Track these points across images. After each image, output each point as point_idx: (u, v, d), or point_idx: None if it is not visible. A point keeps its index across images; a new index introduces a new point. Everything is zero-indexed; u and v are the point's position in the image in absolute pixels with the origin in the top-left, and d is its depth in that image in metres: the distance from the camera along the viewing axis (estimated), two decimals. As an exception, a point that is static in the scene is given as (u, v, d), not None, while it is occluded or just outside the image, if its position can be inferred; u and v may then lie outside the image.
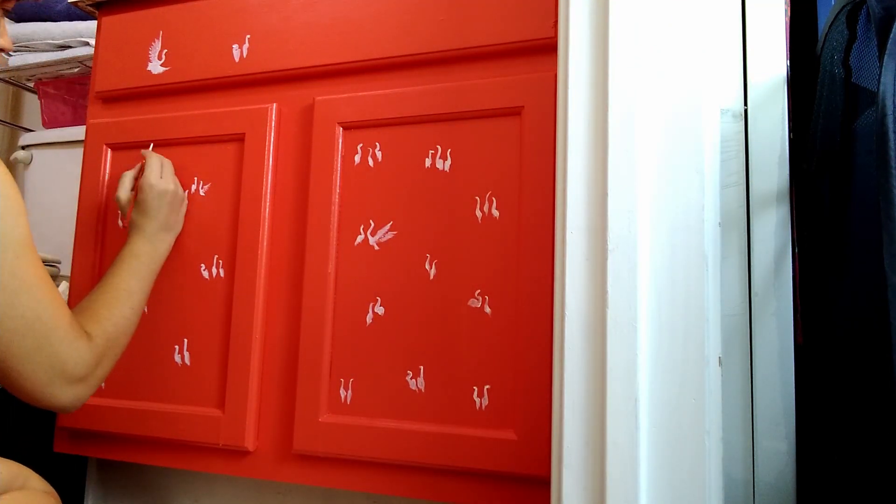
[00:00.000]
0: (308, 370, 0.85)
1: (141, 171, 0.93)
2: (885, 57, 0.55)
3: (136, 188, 0.92)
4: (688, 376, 0.59)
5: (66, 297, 1.07)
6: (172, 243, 0.92)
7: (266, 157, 0.91)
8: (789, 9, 0.81)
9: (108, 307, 0.78)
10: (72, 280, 1.01)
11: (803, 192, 0.78)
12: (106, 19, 1.06)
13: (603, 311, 0.61)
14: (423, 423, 0.79)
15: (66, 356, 0.68)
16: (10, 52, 0.78)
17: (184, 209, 0.94)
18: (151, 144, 0.97)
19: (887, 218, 0.52)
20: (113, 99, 1.04)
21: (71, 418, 0.96)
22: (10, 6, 0.78)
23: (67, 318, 0.69)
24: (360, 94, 0.88)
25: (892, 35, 0.55)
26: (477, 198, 0.81)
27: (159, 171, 0.91)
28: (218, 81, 0.97)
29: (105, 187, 1.01)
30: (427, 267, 0.82)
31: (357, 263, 0.85)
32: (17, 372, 0.65)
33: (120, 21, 1.04)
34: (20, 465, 0.73)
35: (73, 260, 1.01)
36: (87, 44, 1.38)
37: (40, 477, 0.75)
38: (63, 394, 0.68)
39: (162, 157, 0.94)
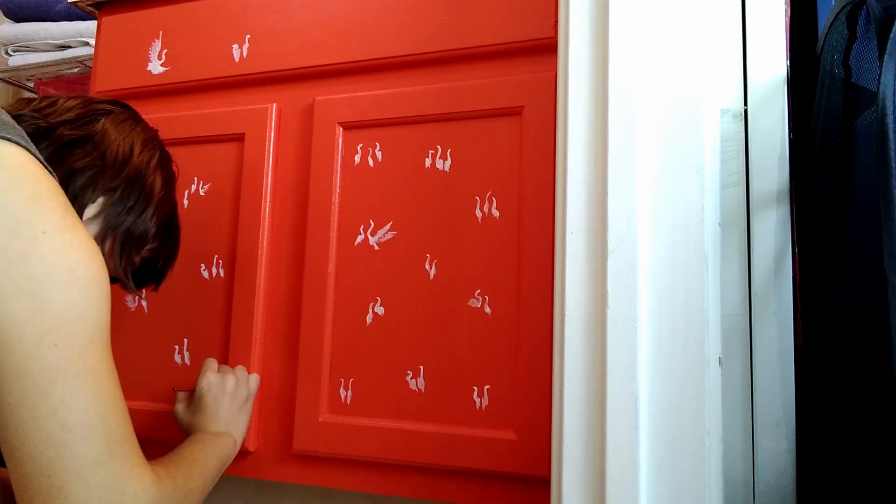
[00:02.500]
0: (308, 370, 0.85)
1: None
2: (885, 57, 0.55)
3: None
4: (688, 376, 0.59)
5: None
6: (235, 450, 0.79)
7: (266, 157, 0.91)
8: (789, 9, 0.81)
9: (182, 461, 0.67)
10: (72, 280, 1.01)
11: (803, 192, 0.78)
12: (106, 19, 1.05)
13: (603, 311, 0.61)
14: (423, 423, 0.79)
15: (128, 479, 0.53)
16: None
17: (247, 403, 0.83)
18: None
19: (887, 218, 0.52)
20: (113, 99, 1.04)
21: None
22: None
23: (134, 439, 0.56)
24: (360, 94, 0.88)
25: (892, 35, 0.55)
26: (477, 198, 0.81)
27: (214, 367, 0.83)
28: (218, 81, 0.97)
29: (105, 187, 1.01)
30: (427, 267, 0.82)
31: (357, 263, 0.85)
32: (61, 493, 0.50)
33: (120, 21, 1.04)
34: None
35: (73, 260, 1.01)
36: (87, 44, 1.38)
37: None
38: None
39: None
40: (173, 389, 0.87)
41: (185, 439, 0.76)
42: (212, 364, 0.84)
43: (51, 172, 0.57)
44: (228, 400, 0.80)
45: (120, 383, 0.57)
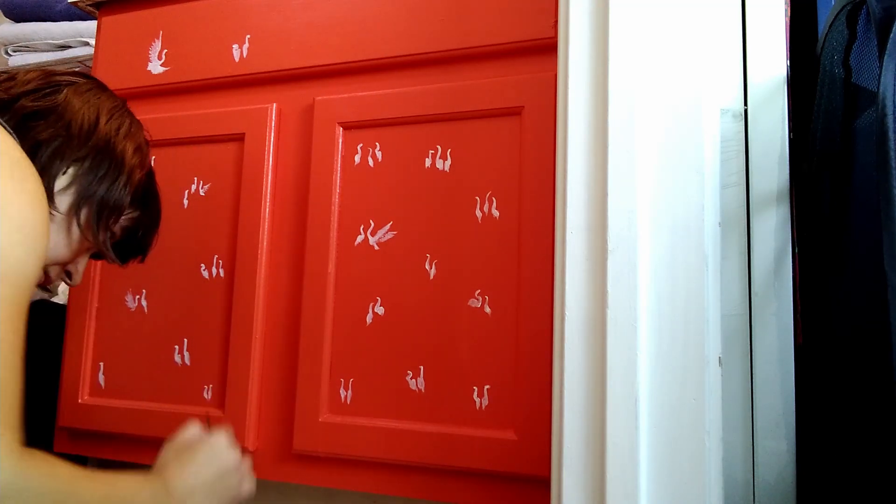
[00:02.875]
0: (308, 370, 0.85)
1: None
2: (885, 57, 0.55)
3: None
4: (688, 376, 0.59)
5: (66, 298, 1.07)
6: None
7: (266, 157, 0.91)
8: (789, 9, 0.81)
9: (90, 483, 0.55)
10: (72, 280, 1.01)
11: (803, 192, 0.78)
12: (106, 19, 1.05)
13: (603, 311, 0.61)
14: (423, 423, 0.79)
15: None
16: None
17: (226, 493, 0.68)
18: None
19: (887, 218, 0.52)
20: (113, 99, 1.04)
21: (71, 418, 0.96)
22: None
23: (15, 412, 0.50)
24: (360, 94, 0.88)
25: (892, 35, 0.55)
26: (477, 198, 0.81)
27: (231, 440, 0.71)
28: (218, 81, 0.96)
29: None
30: (427, 267, 0.82)
31: (357, 263, 0.85)
32: None
33: (120, 21, 1.04)
34: None
35: (73, 260, 1.01)
36: (87, 44, 1.37)
37: None
38: None
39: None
40: (205, 418, 0.76)
41: (139, 475, 0.62)
42: (231, 437, 0.72)
43: (11, 134, 0.58)
44: (216, 471, 0.67)
45: (20, 357, 0.51)
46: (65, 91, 0.68)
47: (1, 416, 0.49)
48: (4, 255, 0.51)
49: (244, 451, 0.79)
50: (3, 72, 0.70)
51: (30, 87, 0.66)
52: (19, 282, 0.52)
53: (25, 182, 0.56)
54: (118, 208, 0.70)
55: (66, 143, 0.65)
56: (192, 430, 0.71)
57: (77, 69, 0.74)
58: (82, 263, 0.73)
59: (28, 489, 0.49)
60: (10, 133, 0.60)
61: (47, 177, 0.63)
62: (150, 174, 0.78)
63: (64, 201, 0.65)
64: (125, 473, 0.60)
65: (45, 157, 0.63)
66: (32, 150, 0.62)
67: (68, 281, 0.74)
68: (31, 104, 0.65)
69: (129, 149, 0.71)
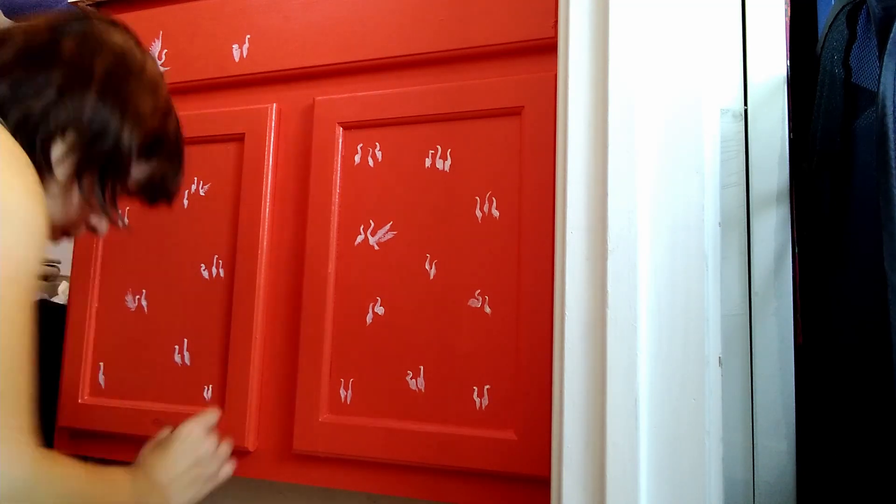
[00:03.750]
0: (308, 370, 0.85)
1: None
2: (885, 57, 0.55)
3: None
4: (688, 376, 0.59)
5: (65, 297, 1.07)
6: None
7: (266, 157, 0.91)
8: (789, 9, 0.81)
9: (73, 472, 0.55)
10: (72, 280, 1.01)
11: (803, 192, 0.78)
12: (106, 19, 1.05)
13: (603, 311, 0.61)
14: (423, 423, 0.79)
15: (5, 456, 0.46)
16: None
17: (204, 480, 0.73)
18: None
19: (887, 218, 0.52)
20: (113, 99, 1.04)
21: (71, 418, 0.96)
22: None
23: (24, 407, 0.49)
24: (360, 94, 0.88)
25: (892, 35, 0.55)
26: (477, 198, 0.81)
27: (207, 427, 0.75)
28: (218, 81, 0.96)
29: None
30: (427, 267, 0.82)
31: (357, 263, 0.85)
32: None
33: (120, 21, 1.04)
34: None
35: (72, 260, 1.01)
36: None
37: None
38: None
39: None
40: (156, 420, 0.81)
41: (122, 468, 0.65)
42: (207, 418, 0.76)
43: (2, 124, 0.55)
44: (193, 460, 0.71)
45: (30, 345, 0.51)
46: (60, 44, 0.61)
47: (15, 417, 0.48)
48: (10, 256, 0.49)
49: (222, 437, 0.78)
50: None
51: (13, 50, 0.60)
52: (26, 282, 0.51)
53: (22, 175, 0.53)
54: (123, 163, 0.64)
55: (56, 106, 0.59)
56: (164, 432, 0.75)
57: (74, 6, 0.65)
58: (98, 221, 0.68)
59: (41, 492, 0.50)
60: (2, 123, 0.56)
61: (42, 147, 0.58)
62: (166, 114, 0.69)
63: (62, 171, 0.60)
64: (111, 469, 0.63)
65: (34, 125, 0.58)
66: (22, 120, 0.57)
67: (95, 232, 0.69)
68: (19, 70, 0.59)
69: (137, 100, 0.64)
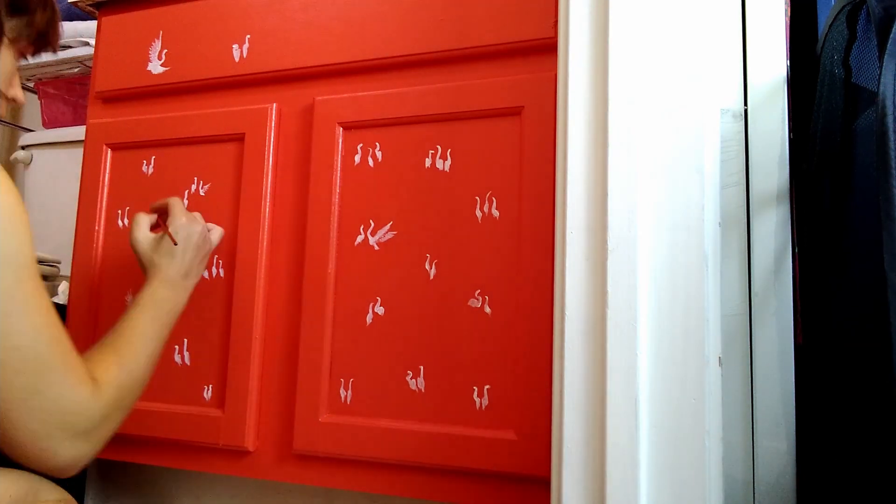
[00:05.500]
0: (308, 370, 0.85)
1: (160, 217, 0.85)
2: (885, 57, 0.55)
3: (157, 229, 0.84)
4: (688, 376, 0.59)
5: (65, 297, 1.07)
6: (191, 292, 0.81)
7: (266, 157, 0.91)
8: (789, 9, 0.81)
9: (121, 354, 0.68)
10: (72, 280, 1.01)
11: (803, 192, 0.78)
12: (106, 19, 1.06)
13: (603, 311, 0.61)
14: (423, 423, 0.79)
15: (67, 402, 0.57)
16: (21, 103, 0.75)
17: (208, 255, 0.85)
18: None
19: (887, 218, 0.52)
20: (113, 99, 1.04)
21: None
22: (28, 53, 0.73)
23: (72, 359, 0.58)
24: (360, 94, 0.88)
25: (892, 35, 0.55)
26: (477, 198, 0.81)
27: (183, 210, 0.83)
28: (218, 81, 0.97)
29: (105, 187, 1.01)
30: (427, 267, 0.82)
31: (357, 263, 0.85)
32: (8, 420, 0.54)
33: (120, 21, 1.04)
34: (30, 475, 0.67)
35: (73, 260, 1.01)
36: (87, 44, 1.38)
37: (54, 484, 0.69)
38: (62, 450, 0.57)
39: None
40: (140, 214, 0.85)
41: (139, 296, 0.75)
42: (179, 205, 0.83)
43: None
44: (195, 249, 0.81)
45: (55, 310, 0.58)
46: None
47: (67, 362, 0.58)
48: (14, 253, 0.54)
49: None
50: None
51: None
52: (28, 262, 0.56)
53: None
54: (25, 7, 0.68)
55: None
56: (145, 220, 0.83)
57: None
58: (17, 84, 0.73)
59: (114, 404, 0.62)
60: None
61: None
62: None
63: None
64: (134, 311, 0.74)
65: None
66: None
67: (16, 103, 0.74)
68: None
69: None
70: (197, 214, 0.85)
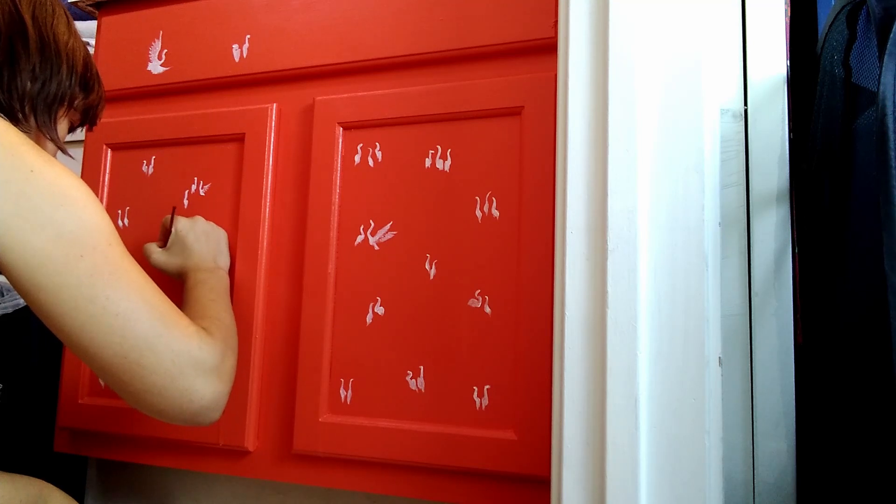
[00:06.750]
0: (308, 370, 0.85)
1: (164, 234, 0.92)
2: (885, 57, 0.55)
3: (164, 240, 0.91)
4: (688, 376, 0.59)
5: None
6: (228, 280, 0.87)
7: (266, 157, 0.91)
8: (789, 9, 0.81)
9: (203, 315, 0.73)
10: (72, 280, 1.01)
11: (803, 192, 0.78)
12: (106, 19, 1.05)
13: (603, 311, 0.61)
14: (423, 423, 0.79)
15: (188, 341, 0.62)
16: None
17: (224, 242, 0.91)
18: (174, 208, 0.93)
19: (887, 218, 0.52)
20: (113, 99, 1.04)
21: (71, 418, 0.96)
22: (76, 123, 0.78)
23: (174, 307, 0.64)
24: (360, 94, 0.88)
25: (892, 35, 0.55)
26: (477, 198, 0.81)
27: (182, 218, 0.90)
28: (218, 81, 0.96)
29: (105, 187, 1.01)
30: (427, 267, 0.82)
31: (357, 263, 0.85)
32: (141, 367, 0.59)
33: (120, 21, 1.04)
34: (39, 481, 0.70)
35: (73, 260, 1.01)
36: (87, 44, 1.37)
37: (61, 490, 0.71)
38: (202, 386, 0.62)
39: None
40: (151, 243, 0.91)
41: (187, 287, 0.81)
42: (178, 217, 0.89)
43: (4, 117, 0.63)
44: (206, 238, 0.87)
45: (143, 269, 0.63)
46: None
47: (173, 308, 0.64)
48: (91, 228, 0.59)
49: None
50: None
51: None
52: (111, 238, 0.61)
53: (53, 159, 0.60)
54: (70, 99, 0.73)
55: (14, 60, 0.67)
56: (151, 245, 0.89)
57: None
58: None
59: (223, 343, 0.68)
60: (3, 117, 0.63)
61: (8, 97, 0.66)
62: (87, 51, 0.78)
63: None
64: (190, 294, 0.79)
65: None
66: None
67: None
68: None
69: (63, 36, 0.72)
70: (196, 218, 0.91)
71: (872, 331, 0.61)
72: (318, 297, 0.86)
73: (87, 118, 0.80)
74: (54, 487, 0.71)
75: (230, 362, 0.68)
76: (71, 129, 0.78)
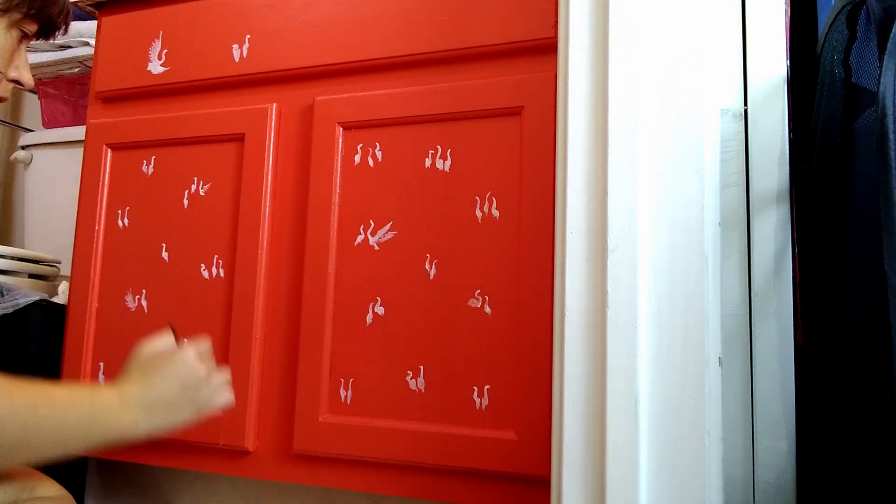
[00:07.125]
0: (308, 370, 0.85)
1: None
2: (885, 57, 0.55)
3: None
4: (688, 376, 0.59)
5: (65, 297, 1.07)
6: (122, 433, 0.63)
7: (266, 157, 0.91)
8: (789, 9, 0.81)
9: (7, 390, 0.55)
10: (72, 280, 1.01)
11: (803, 192, 0.78)
12: (106, 19, 1.05)
13: (603, 311, 0.61)
14: (423, 423, 0.79)
15: None
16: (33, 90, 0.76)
17: (195, 404, 0.67)
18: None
19: (887, 217, 0.52)
20: (113, 99, 1.04)
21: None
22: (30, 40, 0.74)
23: None
24: (360, 94, 0.88)
25: (892, 35, 0.55)
26: (477, 198, 0.81)
27: (207, 352, 0.71)
28: (218, 81, 0.97)
29: (105, 187, 1.01)
30: (427, 267, 0.82)
31: (357, 263, 0.85)
32: None
33: (120, 21, 1.04)
34: (30, 470, 0.66)
35: (73, 260, 1.01)
36: (87, 44, 1.37)
37: (52, 480, 0.68)
38: None
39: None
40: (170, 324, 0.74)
41: (78, 387, 0.63)
42: (201, 344, 0.70)
43: None
44: (177, 388, 0.65)
45: None
46: None
47: None
48: None
49: (221, 364, 0.75)
50: None
51: None
52: None
53: None
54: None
55: None
56: (163, 341, 0.69)
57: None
58: (23, 65, 0.74)
59: None
60: None
61: None
62: None
63: None
64: (68, 386, 0.61)
65: None
66: None
67: (21, 85, 0.74)
68: None
69: None
70: (208, 366, 0.69)
71: (873, 331, 0.61)
72: (318, 297, 0.86)
73: (43, 19, 0.73)
74: (43, 475, 0.68)
75: None
76: (26, 38, 0.73)
